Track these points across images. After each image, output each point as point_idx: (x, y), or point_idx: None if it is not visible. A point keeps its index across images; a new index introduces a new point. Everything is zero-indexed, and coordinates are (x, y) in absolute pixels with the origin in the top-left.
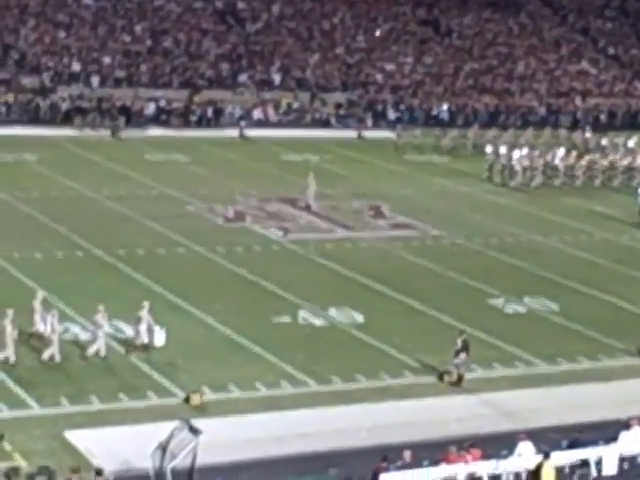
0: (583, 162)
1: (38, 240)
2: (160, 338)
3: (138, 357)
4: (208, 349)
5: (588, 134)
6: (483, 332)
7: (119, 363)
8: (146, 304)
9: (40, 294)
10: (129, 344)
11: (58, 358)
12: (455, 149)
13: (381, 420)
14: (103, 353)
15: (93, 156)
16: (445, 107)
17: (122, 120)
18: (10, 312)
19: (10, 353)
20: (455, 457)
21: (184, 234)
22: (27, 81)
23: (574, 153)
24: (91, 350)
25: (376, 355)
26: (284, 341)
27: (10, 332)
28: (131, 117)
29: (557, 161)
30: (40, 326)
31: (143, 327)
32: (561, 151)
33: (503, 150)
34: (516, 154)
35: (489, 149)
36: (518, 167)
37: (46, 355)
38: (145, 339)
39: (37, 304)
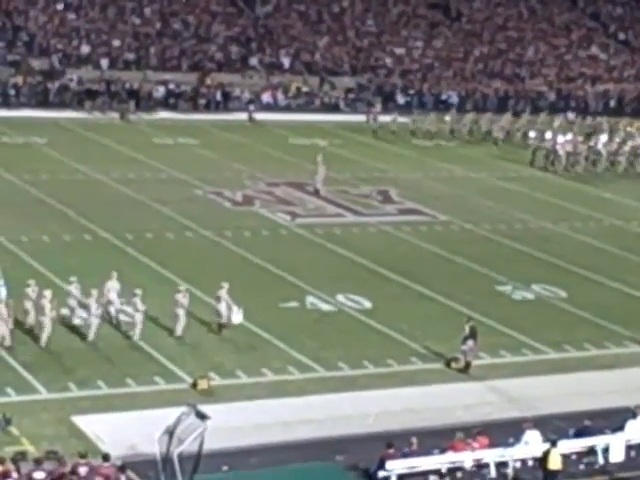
0: (626, 148)
1: (46, 223)
2: (238, 317)
3: (145, 342)
4: (215, 334)
5: (571, 117)
6: (491, 319)
7: (126, 348)
8: (225, 285)
9: (114, 274)
10: (214, 323)
11: (138, 337)
12: (435, 134)
13: (388, 407)
14: (180, 332)
15: (102, 139)
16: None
17: (132, 103)
18: (95, 291)
19: (92, 332)
20: (462, 444)
21: (192, 218)
22: (36, 63)
23: (617, 139)
24: (178, 329)
25: (383, 341)
26: (291, 327)
27: (94, 311)
28: (140, 100)
29: (600, 146)
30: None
31: (223, 306)
32: (604, 136)
33: (548, 135)
34: (560, 139)
35: (532, 134)
36: (562, 152)
37: (136, 333)
38: (224, 318)
39: (114, 284)
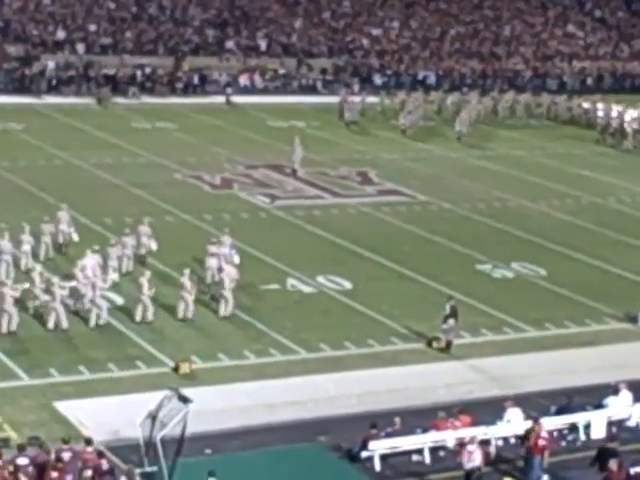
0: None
1: (25, 209)
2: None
3: (126, 327)
4: (196, 317)
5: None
6: (471, 298)
7: (108, 333)
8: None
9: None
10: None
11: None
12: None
13: (370, 387)
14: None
15: (79, 124)
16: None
17: (109, 89)
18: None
19: (189, 308)
20: (444, 423)
21: (171, 202)
22: (12, 49)
23: None
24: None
25: (364, 322)
26: (272, 309)
27: (189, 289)
28: (117, 85)
29: None
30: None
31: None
32: None
33: (614, 114)
34: (627, 117)
35: (601, 113)
36: (629, 129)
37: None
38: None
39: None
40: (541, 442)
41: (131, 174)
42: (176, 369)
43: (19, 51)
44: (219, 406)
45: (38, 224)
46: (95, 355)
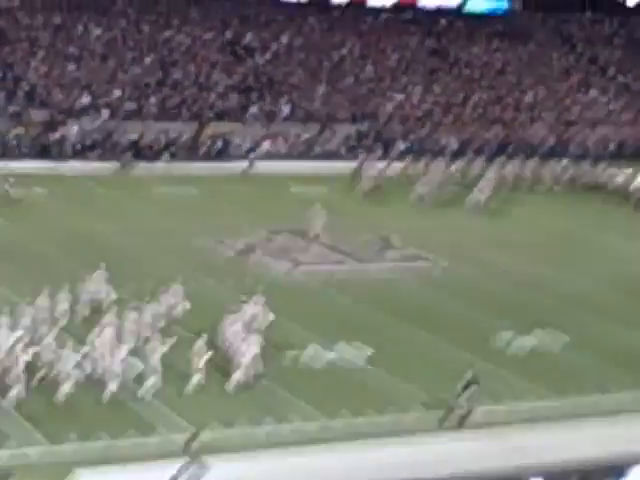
0: None
1: (48, 276)
2: None
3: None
4: (216, 384)
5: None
6: (493, 365)
7: (128, 399)
8: None
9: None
10: None
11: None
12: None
13: (390, 456)
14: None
15: (102, 190)
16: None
17: (131, 154)
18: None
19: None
20: None
21: (194, 268)
22: (37, 114)
23: None
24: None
25: (384, 390)
26: (293, 375)
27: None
28: (140, 150)
29: None
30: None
31: None
32: None
33: None
34: None
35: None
36: None
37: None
38: None
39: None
40: None
41: (153, 240)
42: (194, 437)
43: (44, 116)
44: (237, 475)
45: (58, 290)
46: (115, 421)
